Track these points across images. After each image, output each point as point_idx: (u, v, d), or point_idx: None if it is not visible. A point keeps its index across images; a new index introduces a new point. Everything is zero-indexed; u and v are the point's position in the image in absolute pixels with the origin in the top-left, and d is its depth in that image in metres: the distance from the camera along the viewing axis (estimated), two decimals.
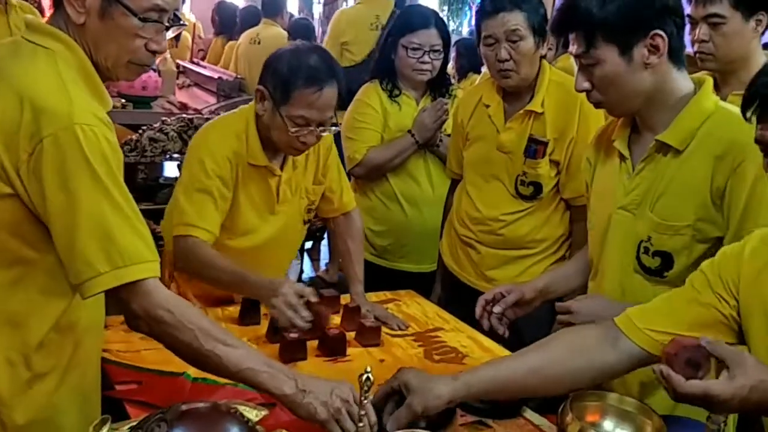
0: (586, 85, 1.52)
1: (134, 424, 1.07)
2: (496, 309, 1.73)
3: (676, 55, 1.50)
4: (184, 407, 1.02)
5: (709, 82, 1.56)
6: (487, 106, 2.27)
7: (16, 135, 1.15)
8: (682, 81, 1.53)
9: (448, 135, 2.63)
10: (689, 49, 1.85)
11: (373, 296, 2.30)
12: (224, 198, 1.94)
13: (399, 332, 2.00)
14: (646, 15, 1.46)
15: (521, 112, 2.20)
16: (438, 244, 2.74)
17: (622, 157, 1.60)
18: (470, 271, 2.36)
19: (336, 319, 1.99)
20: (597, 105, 1.59)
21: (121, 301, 1.21)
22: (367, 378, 1.21)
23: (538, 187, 2.19)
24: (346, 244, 2.19)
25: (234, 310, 2.03)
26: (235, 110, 2.07)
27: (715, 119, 1.48)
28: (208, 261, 1.88)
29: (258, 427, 1.12)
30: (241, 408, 1.16)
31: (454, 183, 2.52)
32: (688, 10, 2.07)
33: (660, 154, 1.53)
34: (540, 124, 2.17)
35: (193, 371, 1.66)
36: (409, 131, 2.57)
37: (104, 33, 1.24)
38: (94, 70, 1.26)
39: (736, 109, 1.26)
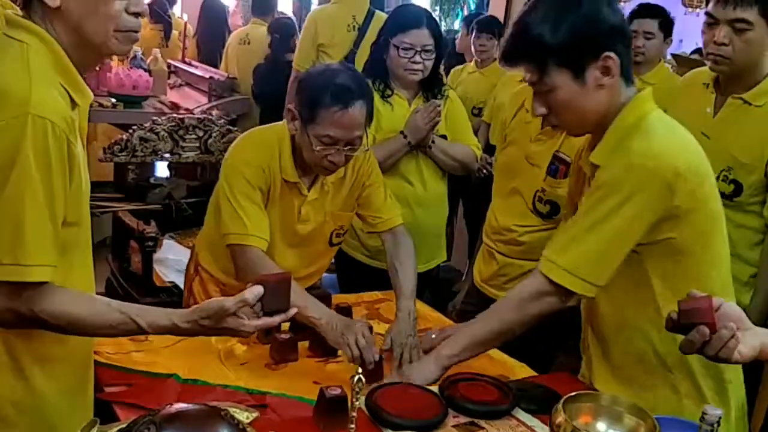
0: (543, 110, 1.55)
1: (123, 426, 1.06)
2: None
3: (626, 73, 1.53)
4: (173, 409, 1.01)
5: (647, 95, 1.56)
6: (527, 111, 2.23)
7: None
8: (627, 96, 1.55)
9: (442, 136, 2.63)
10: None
11: (366, 296, 2.29)
12: (264, 209, 1.95)
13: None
14: (595, 38, 1.48)
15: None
16: (432, 244, 2.75)
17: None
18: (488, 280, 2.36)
19: None
20: (554, 127, 1.66)
21: (7, 296, 1.20)
22: (359, 379, 1.20)
23: (555, 207, 2.16)
24: (399, 259, 2.09)
25: None
26: (271, 125, 2.07)
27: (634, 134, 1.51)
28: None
29: (249, 429, 1.11)
30: (232, 410, 1.14)
31: (454, 183, 2.48)
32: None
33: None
34: (571, 142, 2.09)
35: (183, 372, 1.66)
36: (402, 132, 2.55)
37: (82, 7, 1.24)
38: (69, 62, 1.26)
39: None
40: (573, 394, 1.28)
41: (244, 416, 1.15)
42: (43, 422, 1.31)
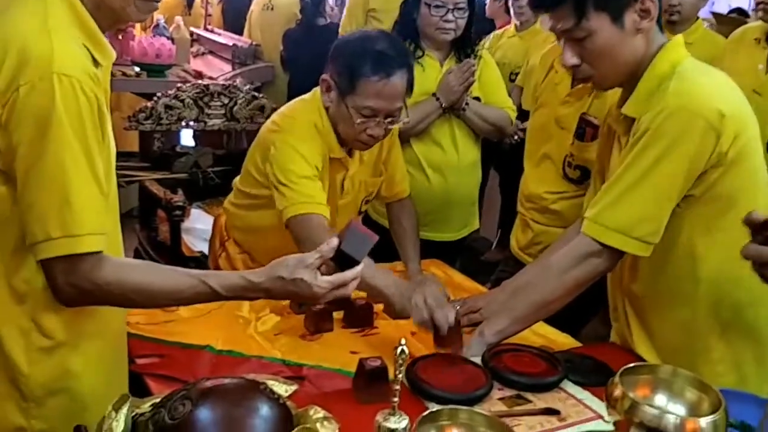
0: (575, 60, 1.48)
1: (156, 401, 1.00)
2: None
3: (659, 18, 1.47)
4: (209, 383, 0.95)
5: (678, 42, 1.50)
6: (556, 72, 2.17)
7: None
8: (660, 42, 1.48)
9: (475, 98, 2.53)
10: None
11: (399, 265, 2.22)
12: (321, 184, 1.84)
13: None
14: None
15: (581, 86, 2.08)
16: (465, 212, 2.67)
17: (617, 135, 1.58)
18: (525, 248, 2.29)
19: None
20: (584, 80, 1.56)
21: (64, 271, 1.13)
22: (402, 351, 1.13)
23: (585, 173, 2.08)
24: (401, 225, 2.10)
25: None
26: (302, 98, 1.95)
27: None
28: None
29: (288, 402, 1.05)
30: (270, 383, 1.08)
31: (484, 151, 2.41)
32: None
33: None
34: (600, 103, 2.03)
35: (217, 343, 1.61)
36: (434, 94, 2.46)
37: None
38: (89, 18, 1.19)
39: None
40: (630, 366, 1.20)
41: (282, 389, 1.09)
42: (77, 402, 1.26)
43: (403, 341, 1.14)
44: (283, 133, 1.85)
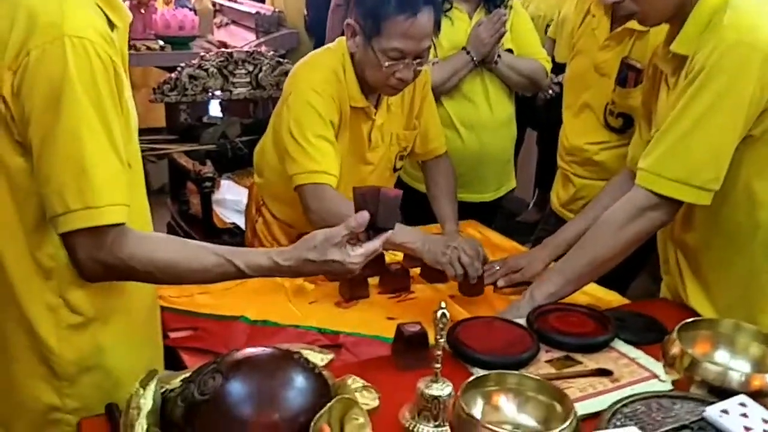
0: None
1: (186, 375, 0.96)
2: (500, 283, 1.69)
3: None
4: (240, 355, 0.90)
5: None
6: (593, 17, 2.06)
7: (3, 47, 1.04)
8: None
9: (508, 50, 2.42)
10: None
11: (433, 228, 2.15)
12: (335, 144, 1.78)
13: None
14: None
15: (621, 29, 1.97)
16: (501, 171, 2.58)
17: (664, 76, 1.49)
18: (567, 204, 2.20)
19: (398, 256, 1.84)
20: (625, 19, 1.52)
21: (86, 245, 1.08)
22: (443, 314, 1.07)
23: (628, 120, 1.97)
24: (437, 184, 2.04)
25: None
26: (327, 47, 1.89)
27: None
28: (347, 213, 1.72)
29: (325, 372, 1.00)
30: (305, 352, 1.03)
31: (520, 104, 2.31)
32: None
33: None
34: (642, 45, 1.91)
35: (251, 314, 1.57)
36: (464, 48, 2.36)
37: None
38: None
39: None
40: (688, 321, 1.12)
41: (318, 359, 1.04)
42: (110, 379, 1.22)
43: (443, 304, 1.08)
44: (301, 80, 1.80)
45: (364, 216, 1.17)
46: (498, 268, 1.74)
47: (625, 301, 1.70)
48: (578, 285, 1.50)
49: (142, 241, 1.12)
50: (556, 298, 1.47)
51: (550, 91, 3.23)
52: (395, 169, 2.03)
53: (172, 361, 1.41)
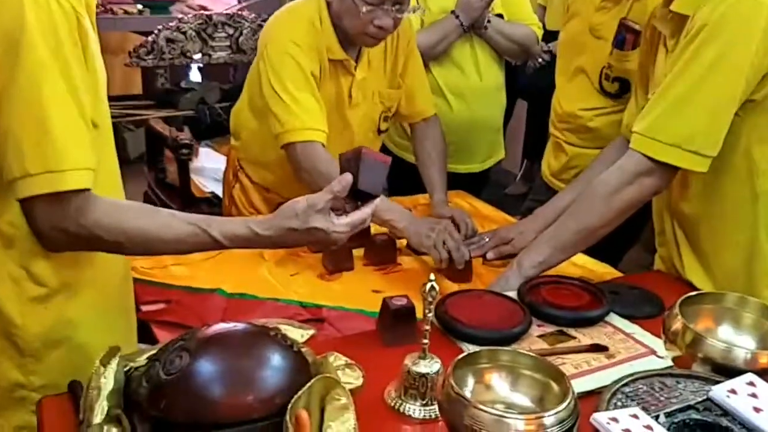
0: None
1: (153, 353, 0.88)
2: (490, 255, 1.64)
3: None
4: (209, 331, 0.82)
5: None
6: None
7: None
8: None
9: (498, 15, 2.33)
10: None
11: (422, 198, 2.08)
12: (320, 99, 1.69)
13: None
14: None
15: None
16: (490, 140, 2.51)
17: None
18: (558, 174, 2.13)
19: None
20: None
21: (47, 212, 0.99)
22: (432, 287, 1.00)
23: (625, 85, 1.90)
24: (425, 149, 1.97)
25: None
26: None
27: None
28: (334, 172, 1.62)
29: (304, 349, 0.92)
30: (284, 327, 0.96)
31: (509, 74, 2.22)
32: None
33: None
34: (641, 6, 1.84)
35: (228, 286, 1.49)
36: (453, 12, 2.27)
37: None
38: None
39: None
40: (691, 294, 1.06)
41: (298, 335, 0.97)
42: (78, 355, 1.14)
43: (432, 277, 1.01)
44: (278, 30, 1.71)
45: (347, 178, 1.09)
46: (487, 240, 1.68)
47: (618, 273, 1.64)
48: (567, 254, 1.43)
49: (110, 209, 1.03)
50: (545, 267, 1.40)
51: (540, 60, 3.14)
52: (379, 131, 1.94)
53: (145, 337, 1.34)
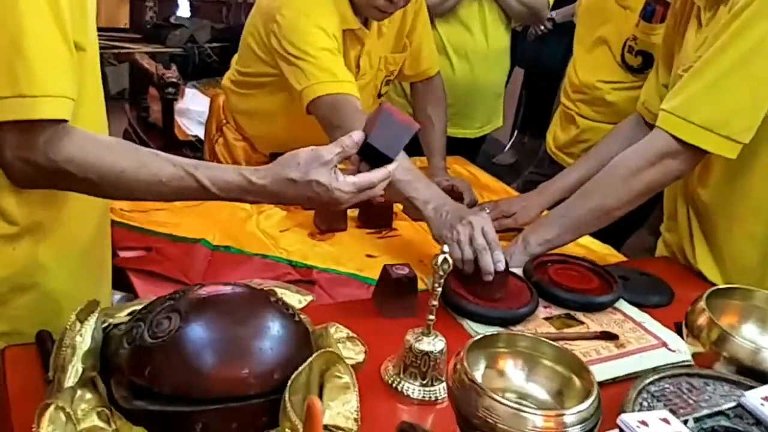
0: None
1: (136, 308, 0.79)
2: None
3: None
4: (203, 292, 0.72)
5: None
6: None
7: None
8: None
9: None
10: None
11: (419, 161, 1.98)
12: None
13: None
14: None
15: None
16: (490, 105, 2.41)
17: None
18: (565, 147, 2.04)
19: None
20: None
21: (15, 141, 0.88)
22: (444, 260, 0.91)
23: (648, 59, 1.79)
24: (425, 112, 1.86)
25: None
26: None
27: None
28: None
29: (302, 316, 0.84)
30: (280, 291, 0.87)
31: (514, 36, 2.11)
32: None
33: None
34: None
35: (213, 237, 1.39)
36: None
37: None
38: None
39: None
40: (719, 287, 0.99)
41: (296, 300, 0.88)
42: (46, 302, 1.04)
43: (446, 248, 0.93)
44: (292, 2, 1.54)
45: (360, 134, 0.99)
46: (489, 211, 1.59)
47: (621, 256, 1.57)
48: (578, 234, 1.35)
49: (86, 144, 0.91)
50: (552, 246, 1.32)
51: (542, 27, 3.05)
52: (379, 95, 1.83)
53: (120, 284, 1.24)
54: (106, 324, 0.77)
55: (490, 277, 1.15)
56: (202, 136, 2.49)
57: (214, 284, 0.75)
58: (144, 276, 1.25)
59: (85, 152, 0.90)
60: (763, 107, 1.17)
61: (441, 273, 0.92)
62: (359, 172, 1.00)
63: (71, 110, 0.90)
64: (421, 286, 1.17)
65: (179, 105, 2.54)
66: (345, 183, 0.98)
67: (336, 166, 0.97)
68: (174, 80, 2.37)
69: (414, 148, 1.94)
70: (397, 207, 1.61)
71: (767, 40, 1.13)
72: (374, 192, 1.00)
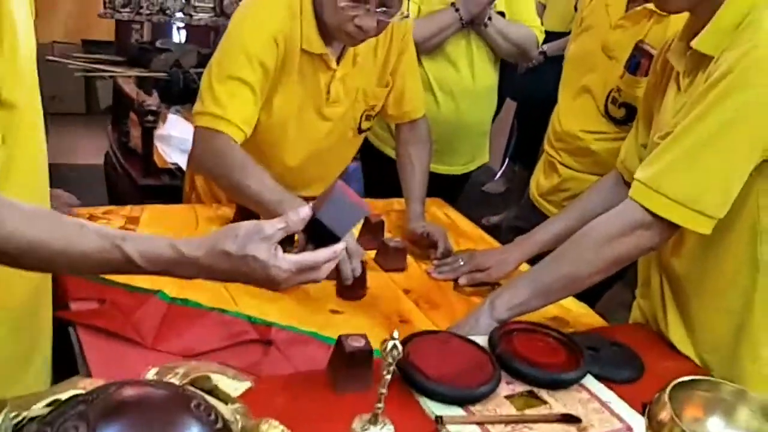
0: None
1: (58, 397, 0.73)
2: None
3: None
4: (117, 396, 0.66)
5: None
6: None
7: None
8: None
9: (500, 13, 2.19)
10: None
11: (396, 203, 1.94)
12: (263, 92, 1.54)
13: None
14: None
15: (639, 8, 1.75)
16: (475, 143, 2.38)
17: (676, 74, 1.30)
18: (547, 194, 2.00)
19: None
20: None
21: None
22: (394, 346, 0.87)
23: (632, 111, 1.75)
24: (407, 154, 1.81)
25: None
26: None
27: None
28: (238, 165, 1.45)
29: (236, 406, 0.78)
30: (215, 377, 0.82)
31: (505, 69, 2.08)
32: None
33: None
34: (661, 30, 1.70)
35: (170, 289, 1.34)
36: (453, 4, 2.12)
37: None
38: None
39: None
40: (684, 379, 0.94)
41: (231, 387, 0.83)
42: None
43: (396, 334, 0.88)
44: (243, 12, 1.55)
45: (307, 210, 0.94)
46: (462, 263, 1.55)
47: (595, 316, 1.52)
48: (547, 300, 1.30)
49: (5, 214, 0.83)
50: (521, 311, 1.28)
51: (533, 60, 3.01)
52: (360, 130, 1.79)
53: (66, 342, 1.19)
54: (21, 418, 0.72)
55: (349, 281, 1.35)
56: (182, 164, 2.45)
57: (135, 384, 0.70)
58: (93, 333, 1.20)
59: (4, 223, 0.83)
60: (738, 183, 1.13)
61: (390, 360, 0.88)
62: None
63: None
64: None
65: (160, 131, 2.49)
66: (285, 261, 0.91)
67: (277, 243, 0.92)
68: (153, 108, 2.33)
69: (393, 190, 1.91)
70: (368, 254, 1.56)
71: (743, 113, 1.09)
72: (317, 275, 0.95)
